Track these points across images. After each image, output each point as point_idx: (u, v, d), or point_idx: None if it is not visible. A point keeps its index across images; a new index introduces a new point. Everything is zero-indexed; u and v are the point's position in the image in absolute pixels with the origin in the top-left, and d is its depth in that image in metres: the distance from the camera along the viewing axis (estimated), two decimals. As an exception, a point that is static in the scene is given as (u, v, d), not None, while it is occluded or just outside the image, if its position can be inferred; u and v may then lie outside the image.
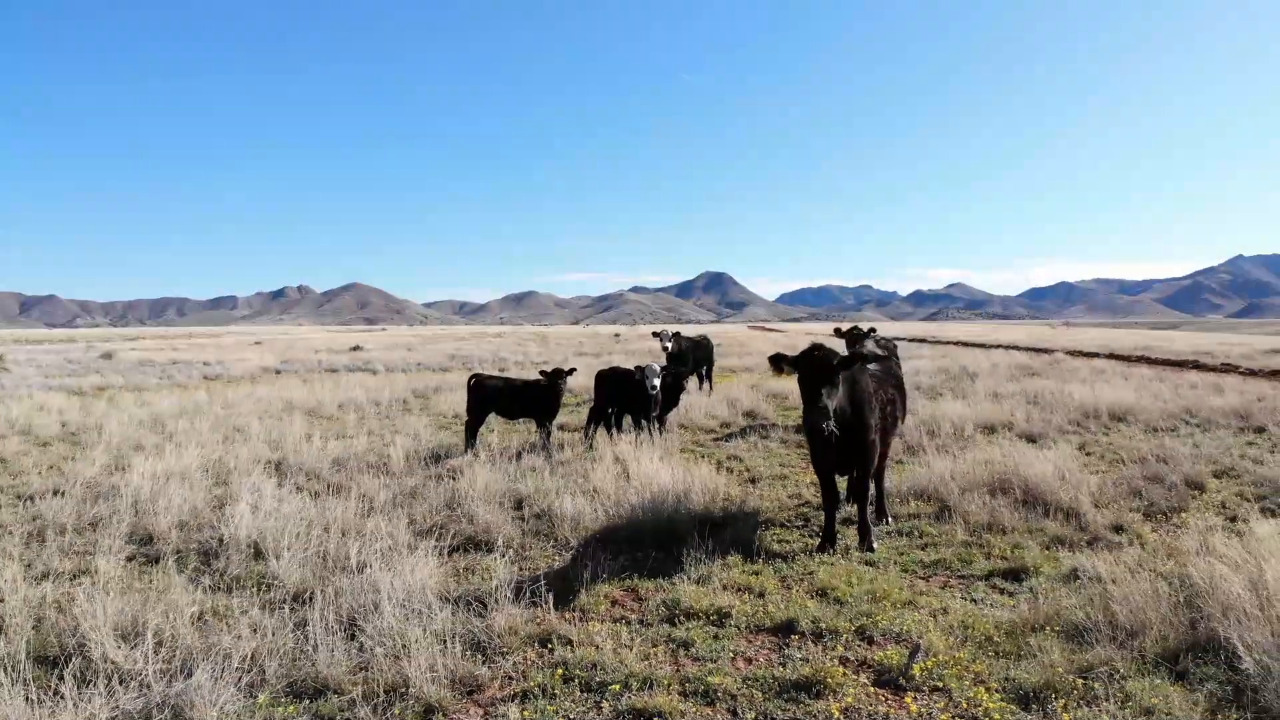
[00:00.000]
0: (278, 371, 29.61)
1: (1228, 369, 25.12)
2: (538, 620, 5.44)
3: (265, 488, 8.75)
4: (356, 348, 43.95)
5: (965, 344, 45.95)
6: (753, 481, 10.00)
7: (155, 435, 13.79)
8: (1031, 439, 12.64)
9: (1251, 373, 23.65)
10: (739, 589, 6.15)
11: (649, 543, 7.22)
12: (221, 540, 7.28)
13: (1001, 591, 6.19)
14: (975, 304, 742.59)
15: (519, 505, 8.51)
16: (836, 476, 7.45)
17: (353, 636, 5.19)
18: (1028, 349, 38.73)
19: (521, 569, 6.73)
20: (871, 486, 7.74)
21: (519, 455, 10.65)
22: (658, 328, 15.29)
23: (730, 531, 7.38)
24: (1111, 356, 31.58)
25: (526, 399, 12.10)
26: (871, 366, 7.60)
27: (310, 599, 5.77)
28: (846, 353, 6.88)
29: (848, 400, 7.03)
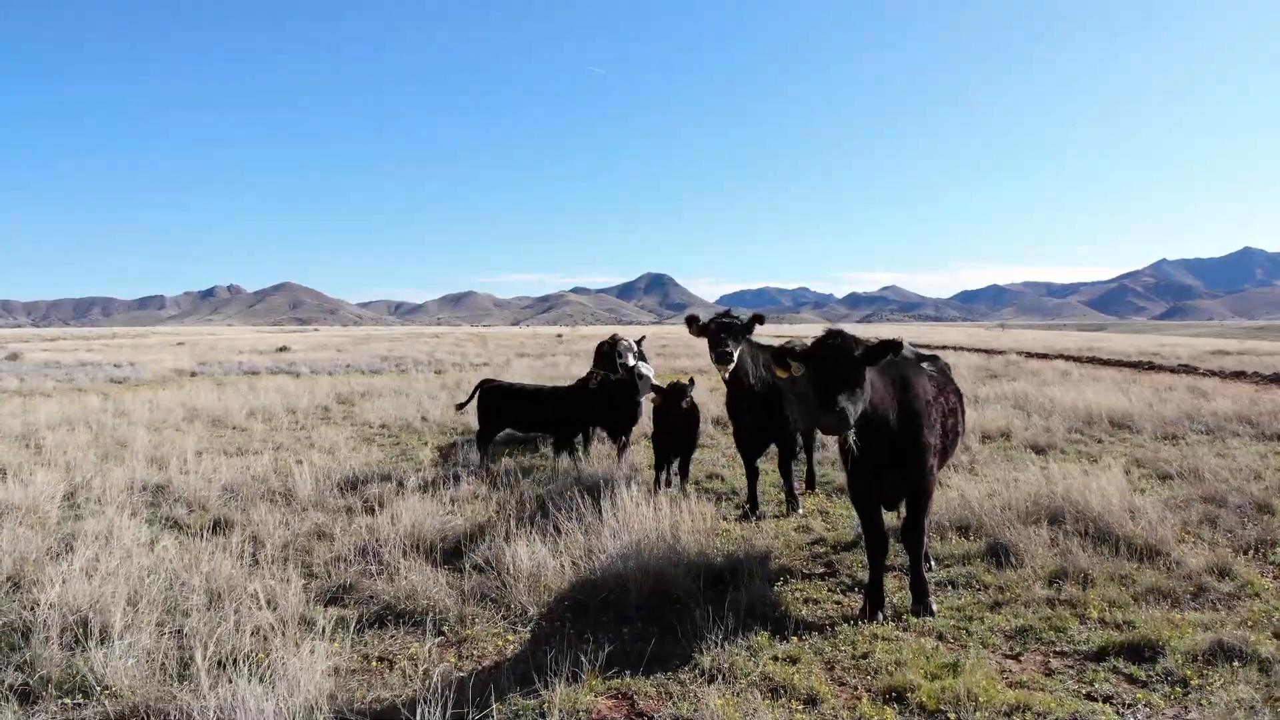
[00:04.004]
0: (193, 374, 26.96)
1: (1187, 370, 24.52)
2: (488, 770, 3.53)
3: (122, 528, 6.64)
4: (283, 348, 41.11)
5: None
6: (748, 509, 8.20)
7: (22, 451, 11.42)
8: (1038, 449, 11.28)
9: (1212, 373, 23.02)
10: (777, 689, 4.31)
11: (637, 610, 5.34)
12: (36, 612, 5.16)
13: (1132, 680, 4.50)
14: (909, 306, 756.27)
15: (457, 553, 6.52)
16: (884, 513, 5.69)
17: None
18: (974, 350, 38.07)
19: (461, 658, 4.79)
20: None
21: (457, 479, 8.66)
22: (611, 336, 12.47)
23: (745, 591, 5.52)
24: (1063, 357, 30.99)
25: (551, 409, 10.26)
26: (926, 366, 5.87)
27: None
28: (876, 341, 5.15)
29: (897, 409, 5.31)
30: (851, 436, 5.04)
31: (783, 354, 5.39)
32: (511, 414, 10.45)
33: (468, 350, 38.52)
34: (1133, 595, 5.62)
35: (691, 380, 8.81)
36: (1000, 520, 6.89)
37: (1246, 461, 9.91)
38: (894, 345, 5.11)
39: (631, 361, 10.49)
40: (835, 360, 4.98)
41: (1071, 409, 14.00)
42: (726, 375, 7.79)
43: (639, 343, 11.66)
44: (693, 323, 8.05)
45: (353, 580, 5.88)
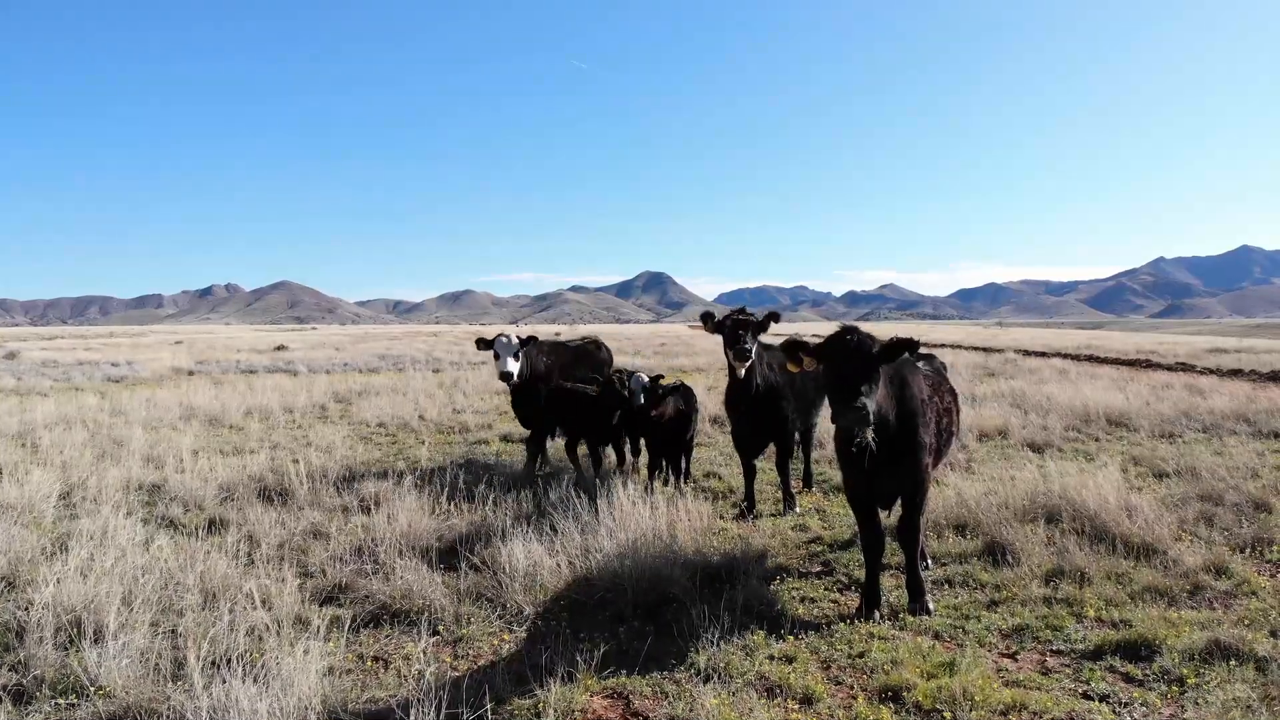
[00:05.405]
0: (190, 373, 26.90)
1: (1185, 368, 24.56)
2: (481, 772, 3.51)
3: (117, 527, 6.61)
4: (281, 347, 41.04)
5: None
6: (745, 508, 8.19)
7: (18, 450, 11.38)
8: (1036, 448, 11.27)
9: (1210, 371, 23.07)
10: (773, 689, 4.29)
11: (633, 609, 5.32)
12: (30, 611, 5.14)
13: (1128, 679, 4.49)
14: (907, 304, 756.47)
15: (453, 552, 6.50)
16: (880, 511, 5.67)
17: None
18: (972, 348, 38.10)
19: (456, 658, 4.78)
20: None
21: (455, 477, 8.63)
22: (495, 330, 10.91)
23: (741, 590, 5.52)
24: (1061, 355, 31.04)
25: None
26: (921, 365, 5.87)
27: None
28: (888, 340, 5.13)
29: (895, 408, 5.30)
30: (869, 433, 5.02)
31: (794, 347, 5.38)
32: (561, 414, 9.71)
33: (466, 349, 38.47)
34: (1129, 594, 5.61)
35: (679, 384, 8.80)
36: (997, 519, 6.87)
37: (1244, 459, 9.91)
38: (910, 344, 5.08)
39: (510, 367, 9.33)
40: (855, 357, 4.98)
41: (1069, 407, 13.99)
42: (743, 372, 7.75)
43: (526, 343, 9.82)
44: (708, 319, 8.04)
45: (348, 580, 5.84)
